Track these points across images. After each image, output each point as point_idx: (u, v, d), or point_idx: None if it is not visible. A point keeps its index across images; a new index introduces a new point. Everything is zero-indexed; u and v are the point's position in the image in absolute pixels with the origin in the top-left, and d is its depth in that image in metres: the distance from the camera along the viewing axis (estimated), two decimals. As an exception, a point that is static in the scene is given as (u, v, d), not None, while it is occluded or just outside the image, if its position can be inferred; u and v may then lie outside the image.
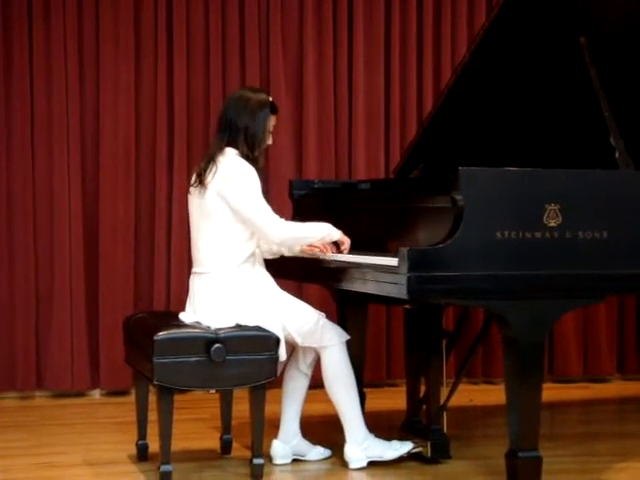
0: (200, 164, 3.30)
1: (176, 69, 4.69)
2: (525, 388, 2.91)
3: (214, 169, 3.22)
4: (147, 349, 3.10)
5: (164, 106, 4.68)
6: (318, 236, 3.27)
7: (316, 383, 3.45)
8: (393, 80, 4.92)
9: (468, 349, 3.59)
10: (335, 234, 3.30)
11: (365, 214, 3.51)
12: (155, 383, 3.07)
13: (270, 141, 3.33)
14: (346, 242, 3.31)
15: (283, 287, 3.36)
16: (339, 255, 3.28)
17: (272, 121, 3.32)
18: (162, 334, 3.08)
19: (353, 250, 3.30)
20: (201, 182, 3.23)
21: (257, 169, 3.23)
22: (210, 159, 3.25)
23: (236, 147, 3.25)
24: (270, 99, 3.32)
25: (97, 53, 4.63)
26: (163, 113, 4.68)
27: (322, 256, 3.34)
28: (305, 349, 3.36)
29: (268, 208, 3.21)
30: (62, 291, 4.57)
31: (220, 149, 3.25)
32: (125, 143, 4.65)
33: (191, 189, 3.30)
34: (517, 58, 3.52)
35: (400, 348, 4.39)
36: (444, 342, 3.42)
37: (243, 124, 3.24)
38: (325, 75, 4.86)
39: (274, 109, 3.32)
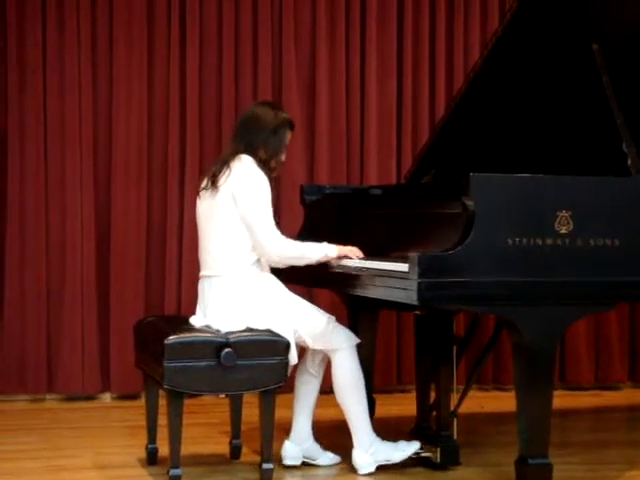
0: (212, 168, 3.32)
1: (189, 73, 4.70)
2: (536, 395, 2.91)
3: (227, 172, 3.24)
4: (157, 353, 3.11)
5: (176, 110, 4.69)
6: (315, 257, 3.27)
7: (328, 388, 3.45)
8: (405, 85, 4.92)
9: (478, 355, 3.59)
10: (332, 254, 3.28)
11: (376, 219, 3.51)
12: (165, 387, 3.07)
13: (284, 157, 3.39)
14: (351, 254, 3.29)
15: (293, 292, 3.36)
16: (349, 261, 3.28)
17: (289, 136, 3.37)
18: (172, 338, 3.08)
19: (364, 256, 3.29)
20: (213, 184, 3.25)
21: (270, 178, 3.26)
22: (224, 163, 3.27)
23: (252, 155, 3.29)
24: (288, 116, 3.39)
25: (110, 57, 4.64)
26: (175, 117, 4.68)
27: (335, 263, 3.33)
28: (315, 352, 3.37)
29: (272, 222, 3.22)
30: (73, 294, 4.58)
31: (235, 155, 3.28)
32: (137, 147, 4.66)
33: (201, 193, 3.31)
34: (529, 64, 3.51)
35: (410, 354, 4.38)
36: (454, 348, 3.41)
37: (263, 139, 3.29)
38: (337, 79, 4.86)
39: (292, 126, 3.39)
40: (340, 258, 3.29)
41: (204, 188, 3.30)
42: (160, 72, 4.70)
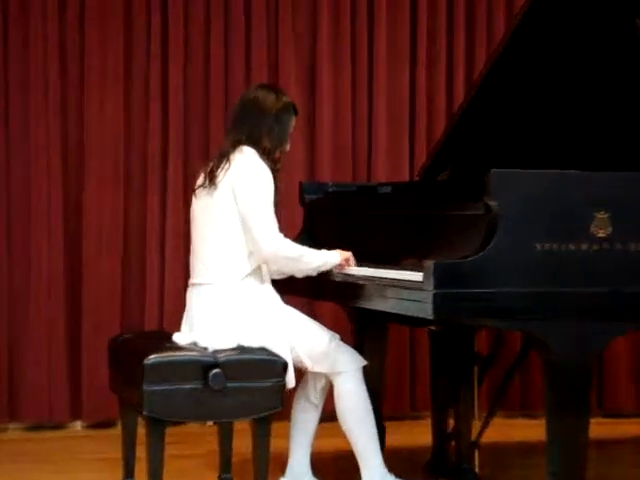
0: (209, 163, 3.35)
1: (171, 65, 4.71)
2: (569, 423, 2.91)
3: (227, 166, 3.27)
4: (136, 375, 3.11)
5: (157, 107, 4.71)
6: (314, 263, 3.29)
7: (329, 415, 3.47)
8: (419, 72, 4.95)
9: (504, 377, 3.60)
10: (334, 262, 3.31)
11: (385, 222, 3.53)
12: (144, 414, 3.07)
13: (289, 147, 3.43)
14: (350, 259, 3.33)
15: (291, 305, 3.38)
16: (355, 268, 3.30)
17: (293, 123, 3.42)
18: (153, 357, 3.08)
19: (371, 263, 3.32)
20: (211, 180, 3.28)
21: (275, 171, 3.29)
22: (223, 156, 3.30)
23: (254, 146, 3.32)
24: (292, 100, 3.43)
25: (82, 47, 4.66)
26: (156, 116, 4.71)
27: (336, 271, 3.36)
28: (316, 375, 3.39)
29: (271, 218, 3.24)
30: (38, 308, 4.60)
31: (235, 147, 3.31)
32: (113, 147, 4.69)
33: (197, 191, 3.34)
34: (559, 45, 3.51)
35: (425, 375, 4.39)
36: (476, 369, 3.43)
37: (267, 126, 3.32)
38: (341, 64, 4.89)
39: (297, 111, 3.44)
40: (343, 266, 3.32)
41: (201, 186, 3.33)
42: (138, 62, 4.72)
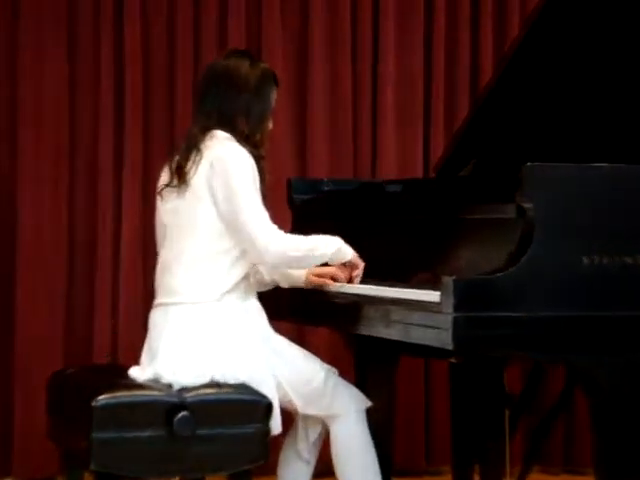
0: (175, 156, 3.34)
1: (127, 40, 4.73)
2: (624, 480, 2.93)
3: (198, 158, 3.27)
4: (82, 420, 3.11)
5: (110, 92, 4.72)
6: (327, 253, 3.31)
7: (324, 468, 3.47)
8: (436, 41, 4.96)
9: (542, 423, 3.61)
10: (348, 252, 3.34)
11: (394, 228, 3.54)
12: (93, 469, 3.07)
13: (271, 125, 3.43)
14: (360, 266, 3.35)
15: (277, 331, 3.38)
16: (355, 286, 3.31)
17: (275, 95, 3.43)
18: (104, 398, 3.08)
19: (374, 278, 3.32)
20: (180, 178, 3.28)
21: (258, 158, 3.30)
22: (191, 146, 3.30)
23: (229, 130, 3.32)
24: (269, 68, 3.44)
25: (14, 24, 4.68)
26: (109, 101, 4.72)
27: (333, 288, 3.37)
28: (308, 420, 3.39)
29: (265, 214, 3.26)
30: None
31: (205, 132, 3.31)
32: (54, 132, 4.69)
33: (163, 192, 3.34)
34: (606, 14, 3.52)
35: (444, 420, 4.40)
36: (507, 412, 3.43)
37: (243, 102, 3.33)
38: (339, 27, 4.89)
39: (277, 81, 3.45)
40: (353, 271, 3.33)
41: (167, 185, 3.33)
42: (85, 30, 4.72)
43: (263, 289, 3.49)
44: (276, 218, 4.43)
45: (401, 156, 4.95)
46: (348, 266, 3.36)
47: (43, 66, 4.69)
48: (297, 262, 3.33)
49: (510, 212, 2.90)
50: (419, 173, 4.89)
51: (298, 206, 3.99)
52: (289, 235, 3.32)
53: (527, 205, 2.84)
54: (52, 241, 4.69)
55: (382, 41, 4.93)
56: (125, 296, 4.68)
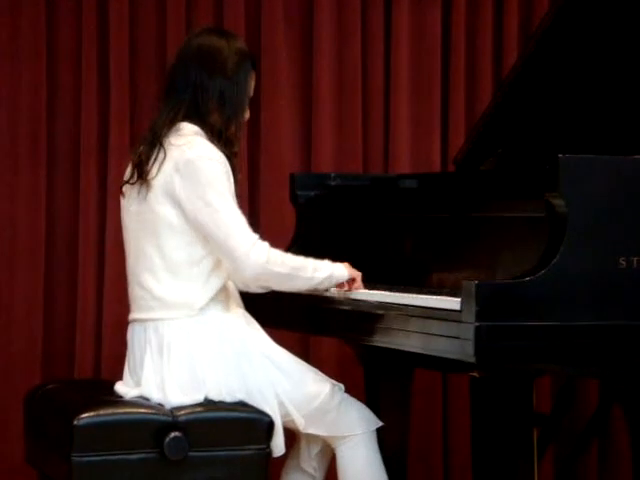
0: (138, 149, 3.32)
1: (112, 14, 4.74)
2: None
3: (161, 156, 3.25)
4: (62, 441, 3.12)
5: (94, 64, 4.71)
6: (317, 277, 3.30)
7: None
8: (456, 15, 4.95)
9: (574, 445, 3.60)
10: (343, 274, 3.33)
11: (409, 228, 3.54)
12: (74, 495, 3.09)
13: (248, 115, 3.41)
14: (357, 278, 3.34)
15: (277, 342, 3.38)
16: (365, 292, 3.31)
17: (253, 80, 3.41)
18: (86, 417, 3.09)
19: (387, 284, 3.31)
20: (141, 177, 3.26)
21: (231, 156, 3.28)
22: (155, 141, 3.27)
23: (198, 122, 3.30)
24: (246, 46, 3.42)
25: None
26: (92, 79, 4.71)
27: (339, 294, 3.36)
28: (311, 438, 3.38)
29: (242, 221, 3.24)
30: None
31: (170, 126, 3.29)
32: (31, 120, 4.67)
33: (125, 189, 3.33)
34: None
35: (464, 441, 4.40)
36: (535, 433, 3.43)
37: (215, 87, 3.30)
38: (346, 18, 4.88)
39: (254, 63, 3.41)
40: (350, 284, 3.32)
41: (128, 182, 3.31)
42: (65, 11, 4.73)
43: (255, 290, 3.39)
44: (277, 218, 4.46)
45: (416, 148, 4.93)
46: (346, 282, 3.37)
47: (18, 42, 4.68)
48: (279, 280, 3.29)
49: (538, 210, 2.91)
50: (436, 167, 4.88)
51: (302, 204, 4.01)
52: (279, 255, 3.28)
53: (558, 202, 2.85)
54: (28, 240, 4.64)
55: (395, 24, 4.91)
56: (109, 303, 4.64)
